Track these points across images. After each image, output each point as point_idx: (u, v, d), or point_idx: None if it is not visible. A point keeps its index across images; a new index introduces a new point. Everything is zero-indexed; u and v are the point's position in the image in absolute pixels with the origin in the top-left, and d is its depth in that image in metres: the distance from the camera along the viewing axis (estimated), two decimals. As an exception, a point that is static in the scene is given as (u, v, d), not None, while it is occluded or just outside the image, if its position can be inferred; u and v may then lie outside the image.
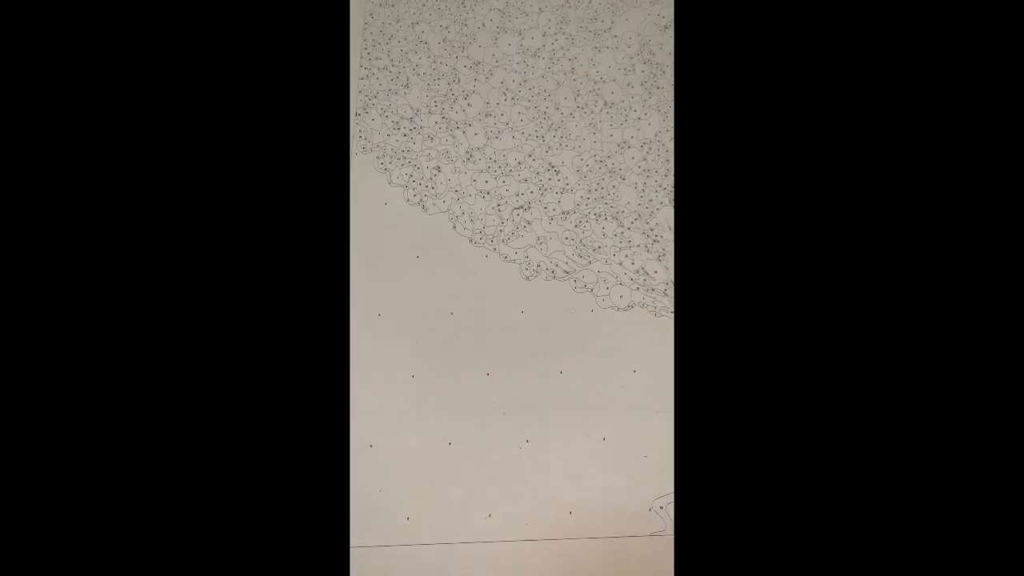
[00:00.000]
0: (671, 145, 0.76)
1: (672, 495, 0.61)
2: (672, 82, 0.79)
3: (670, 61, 0.81)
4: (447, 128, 0.76)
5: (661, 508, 0.61)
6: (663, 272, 0.70)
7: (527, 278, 0.69)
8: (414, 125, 0.76)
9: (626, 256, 0.70)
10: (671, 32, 0.82)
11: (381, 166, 0.74)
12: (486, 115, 0.77)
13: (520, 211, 0.72)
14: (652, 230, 0.71)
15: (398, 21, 0.81)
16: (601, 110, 0.77)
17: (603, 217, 0.72)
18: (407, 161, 0.74)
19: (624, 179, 0.74)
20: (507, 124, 0.76)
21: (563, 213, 0.72)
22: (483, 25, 0.82)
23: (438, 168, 0.74)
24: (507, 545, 0.59)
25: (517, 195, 0.73)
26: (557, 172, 0.74)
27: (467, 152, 0.75)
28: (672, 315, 0.68)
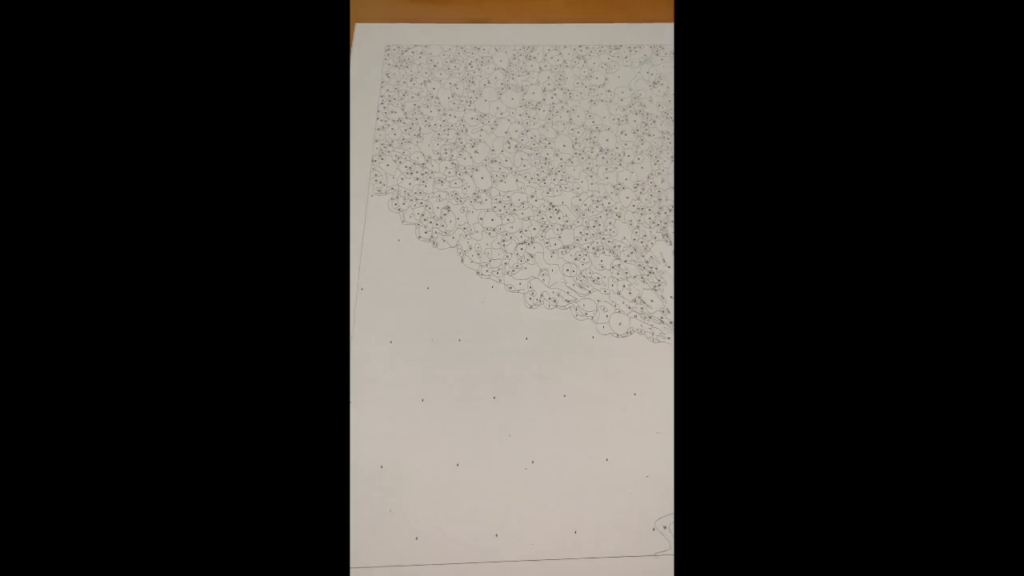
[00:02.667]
0: (663, 186, 0.82)
1: (673, 515, 0.63)
2: (661, 130, 0.86)
3: (659, 112, 0.88)
4: (456, 172, 0.82)
5: (664, 528, 0.62)
6: (659, 301, 0.74)
7: (531, 307, 0.73)
8: (425, 170, 0.82)
9: (623, 286, 0.75)
10: (660, 87, 0.90)
11: (395, 206, 0.79)
12: (492, 161, 0.83)
13: (524, 246, 0.77)
14: (647, 263, 0.76)
15: (411, 80, 0.89)
16: (597, 155, 0.84)
17: (601, 251, 0.77)
18: (419, 202, 0.80)
19: (620, 217, 0.79)
20: (511, 169, 0.83)
21: (563, 247, 0.77)
22: (488, 82, 0.90)
23: (447, 208, 0.79)
24: (513, 565, 0.60)
25: (521, 231, 0.78)
26: (557, 211, 0.80)
27: (474, 193, 0.81)
28: (669, 340, 0.71)
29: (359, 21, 0.96)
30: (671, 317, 0.73)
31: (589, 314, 0.73)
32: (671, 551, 0.61)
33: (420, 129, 0.85)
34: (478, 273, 0.75)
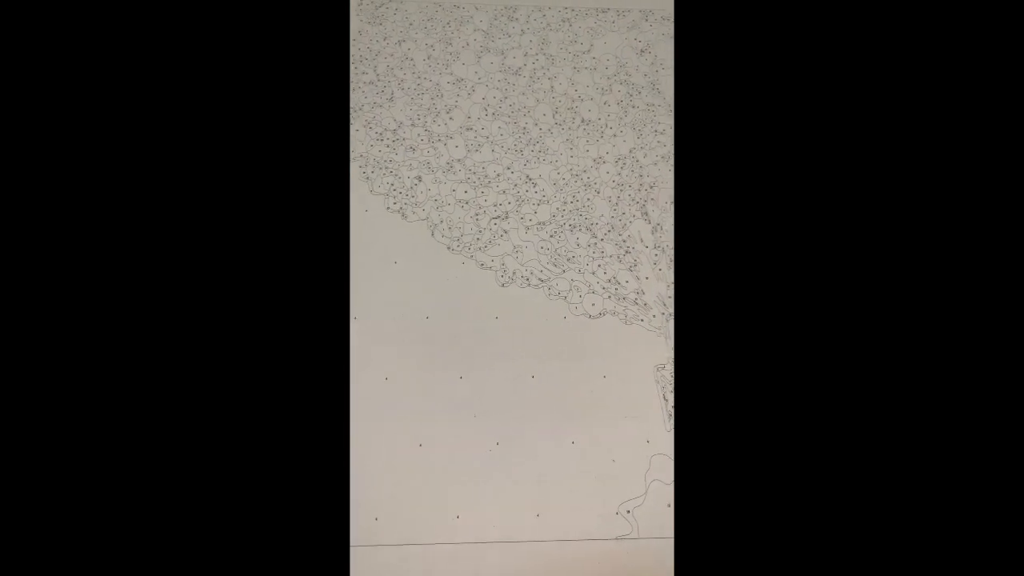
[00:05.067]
0: (645, 161, 0.79)
1: (638, 499, 0.62)
2: (646, 102, 0.83)
3: (645, 82, 0.84)
4: (429, 140, 0.78)
5: (628, 512, 0.62)
6: (634, 282, 0.72)
7: (502, 285, 0.71)
8: (397, 137, 0.78)
9: (599, 266, 0.72)
10: (647, 56, 0.86)
11: (363, 175, 0.76)
12: (467, 129, 0.79)
13: (497, 221, 0.74)
14: (624, 242, 0.74)
15: (385, 39, 0.84)
16: (578, 127, 0.80)
17: (577, 228, 0.74)
18: (389, 171, 0.76)
19: (599, 193, 0.76)
20: (487, 138, 0.79)
21: (539, 224, 0.74)
22: (467, 44, 0.85)
23: (419, 178, 0.76)
24: (475, 546, 0.60)
25: (495, 205, 0.75)
26: (534, 184, 0.76)
27: (447, 163, 0.77)
28: (642, 323, 0.70)
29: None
30: (646, 298, 0.71)
31: (562, 294, 0.71)
32: (635, 535, 0.61)
33: (393, 92, 0.81)
34: (449, 248, 0.72)
